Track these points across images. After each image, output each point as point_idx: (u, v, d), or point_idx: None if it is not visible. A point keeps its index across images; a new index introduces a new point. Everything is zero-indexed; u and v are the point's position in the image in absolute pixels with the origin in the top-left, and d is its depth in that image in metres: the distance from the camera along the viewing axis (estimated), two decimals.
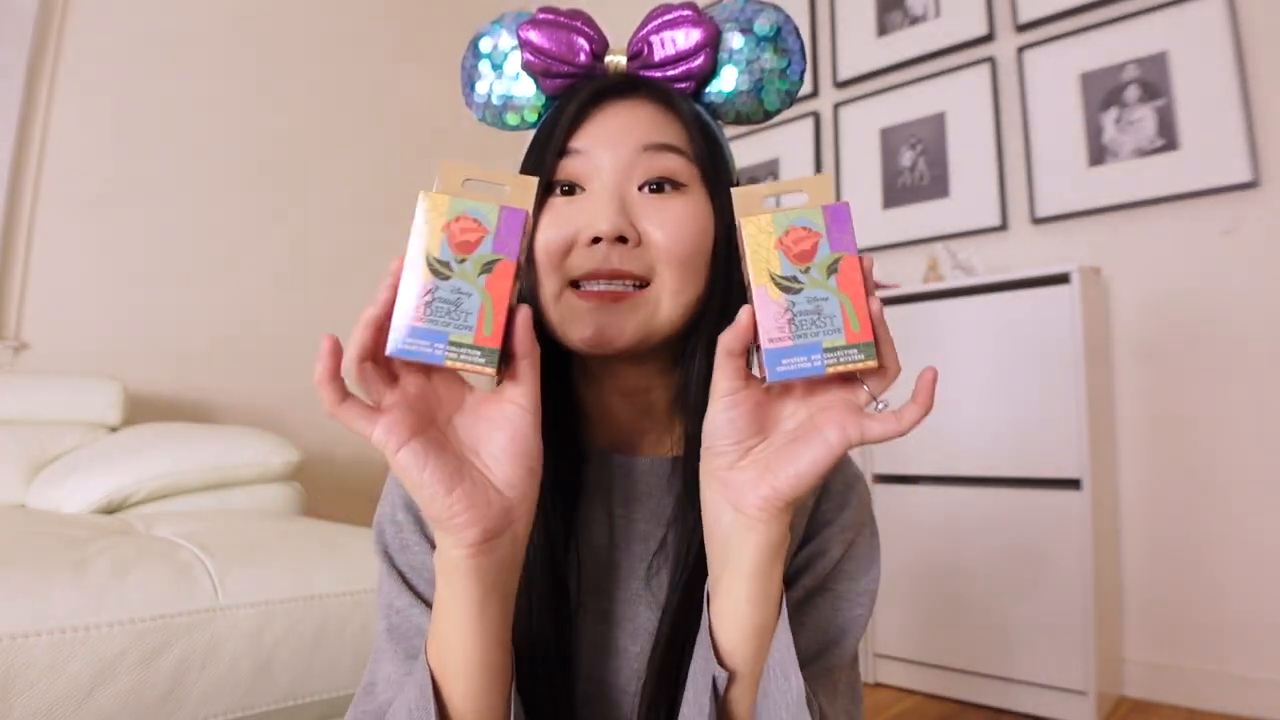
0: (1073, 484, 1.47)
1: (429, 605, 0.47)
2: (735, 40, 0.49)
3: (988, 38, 1.91)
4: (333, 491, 1.96)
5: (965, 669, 1.59)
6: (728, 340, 0.38)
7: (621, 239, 0.43)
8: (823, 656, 0.47)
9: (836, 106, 2.18)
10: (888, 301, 1.76)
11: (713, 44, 0.48)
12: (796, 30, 0.50)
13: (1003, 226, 1.85)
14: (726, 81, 0.49)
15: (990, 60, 1.90)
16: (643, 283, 0.44)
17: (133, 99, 1.93)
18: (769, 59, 0.49)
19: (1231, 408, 1.54)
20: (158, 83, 1.97)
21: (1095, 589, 1.44)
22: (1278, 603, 1.46)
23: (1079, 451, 1.47)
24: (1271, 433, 1.49)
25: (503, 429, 0.37)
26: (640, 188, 0.45)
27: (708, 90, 0.50)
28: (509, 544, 0.38)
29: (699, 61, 0.48)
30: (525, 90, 0.50)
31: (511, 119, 0.52)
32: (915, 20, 2.04)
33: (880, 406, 0.37)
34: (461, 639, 0.38)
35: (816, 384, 0.38)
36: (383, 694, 0.46)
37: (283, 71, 2.23)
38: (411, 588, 0.49)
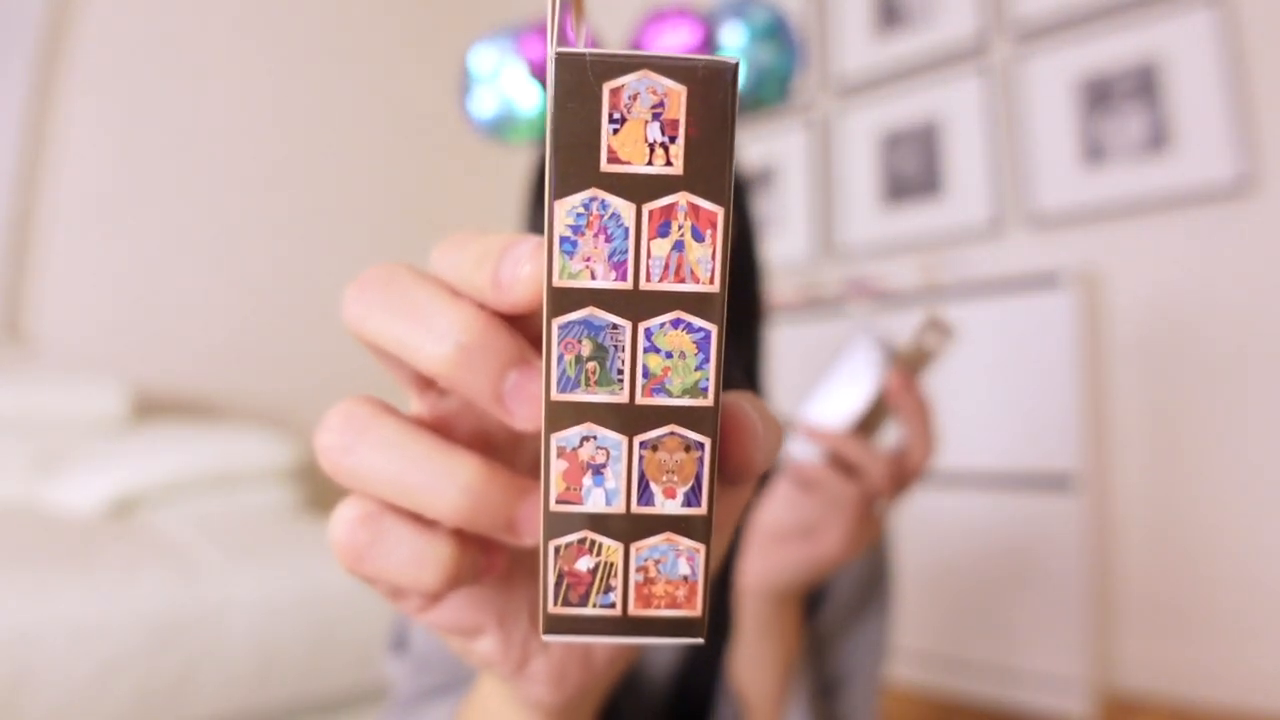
0: (1069, 483, 1.48)
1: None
2: (732, 37, 0.49)
3: (983, 41, 1.91)
4: (340, 490, 1.97)
5: (962, 662, 1.60)
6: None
7: None
8: (836, 692, 0.49)
9: (832, 110, 2.18)
10: (884, 303, 1.77)
11: (709, 42, 0.48)
12: (792, 24, 0.50)
13: (997, 229, 1.85)
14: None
15: (985, 64, 1.90)
16: None
17: (143, 98, 1.94)
18: (766, 54, 0.49)
19: (1228, 407, 1.54)
20: (167, 82, 1.99)
21: (1092, 584, 1.45)
22: (1273, 597, 1.46)
23: (1075, 451, 1.48)
24: (1268, 432, 1.49)
25: None
26: None
27: None
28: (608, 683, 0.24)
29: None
30: (524, 104, 0.51)
31: (513, 135, 0.52)
32: (911, 24, 2.03)
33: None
34: None
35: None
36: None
37: (290, 72, 2.24)
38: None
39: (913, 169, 2.01)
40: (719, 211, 0.13)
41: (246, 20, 2.16)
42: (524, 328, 0.15)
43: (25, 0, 1.75)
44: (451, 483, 0.15)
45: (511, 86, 0.51)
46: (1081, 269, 1.63)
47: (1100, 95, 1.72)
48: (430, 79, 2.49)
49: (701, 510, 0.14)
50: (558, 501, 0.14)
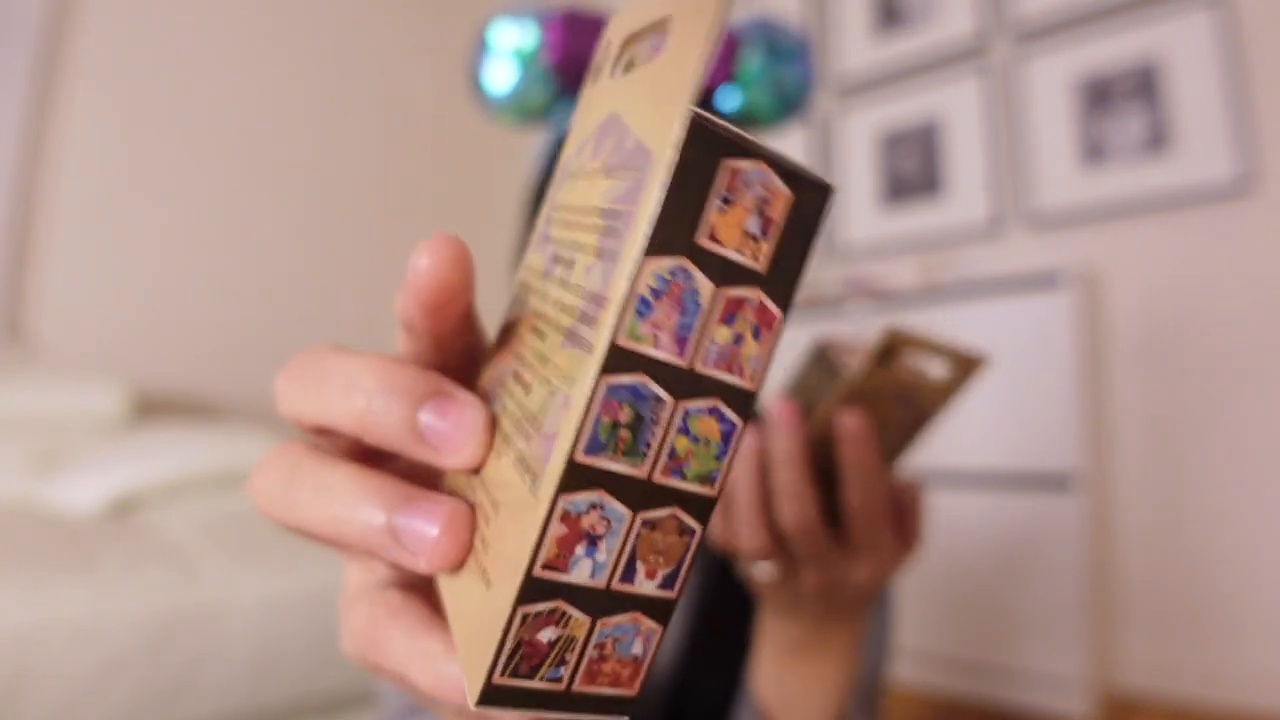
0: (1069, 483, 1.49)
1: None
2: (754, 58, 0.48)
3: (983, 41, 1.91)
4: None
5: (963, 662, 1.60)
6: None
7: None
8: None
9: (832, 110, 2.18)
10: (884, 304, 1.77)
11: (731, 56, 0.48)
12: (812, 49, 0.50)
13: (997, 229, 1.85)
14: (741, 93, 0.49)
15: (985, 64, 1.90)
16: None
17: (143, 97, 1.94)
18: (786, 76, 0.49)
19: (1228, 406, 1.55)
20: (168, 81, 1.99)
21: (1092, 584, 1.45)
22: (1273, 597, 1.46)
23: (1075, 451, 1.48)
24: (1268, 431, 1.49)
25: None
26: None
27: (720, 97, 0.49)
28: None
29: (717, 73, 0.48)
30: (538, 85, 0.50)
31: (527, 110, 0.51)
32: (911, 24, 2.03)
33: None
34: None
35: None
36: None
37: (291, 71, 2.24)
38: None
39: (912, 169, 2.01)
40: (779, 317, 0.13)
41: (247, 20, 2.16)
42: (450, 356, 0.14)
43: (25, 0, 1.75)
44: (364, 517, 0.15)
45: (523, 67, 0.49)
46: (1081, 269, 1.64)
47: (1100, 95, 1.72)
48: (433, 78, 2.49)
49: (673, 594, 0.14)
50: (544, 567, 0.13)
